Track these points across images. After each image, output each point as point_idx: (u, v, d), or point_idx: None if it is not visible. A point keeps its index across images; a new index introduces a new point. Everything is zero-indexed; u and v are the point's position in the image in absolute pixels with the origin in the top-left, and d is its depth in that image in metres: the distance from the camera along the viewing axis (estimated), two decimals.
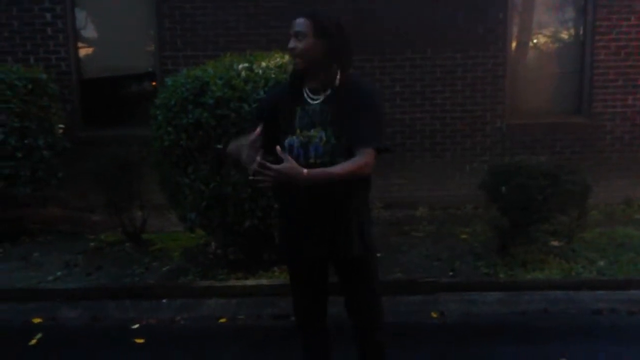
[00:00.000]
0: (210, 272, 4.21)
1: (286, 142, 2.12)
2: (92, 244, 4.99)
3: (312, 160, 2.08)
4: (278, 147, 1.97)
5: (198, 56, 5.71)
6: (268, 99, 2.38)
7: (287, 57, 4.03)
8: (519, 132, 6.09)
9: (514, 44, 6.10)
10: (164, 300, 3.91)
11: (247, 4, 5.88)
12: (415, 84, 5.99)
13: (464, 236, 5.02)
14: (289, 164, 1.94)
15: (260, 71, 3.80)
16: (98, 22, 6.27)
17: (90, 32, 6.32)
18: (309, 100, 2.16)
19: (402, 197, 5.89)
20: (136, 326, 3.61)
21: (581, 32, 6.07)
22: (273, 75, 3.77)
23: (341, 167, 2.04)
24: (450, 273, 4.17)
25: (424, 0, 5.84)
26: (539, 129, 6.08)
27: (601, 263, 4.29)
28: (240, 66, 3.86)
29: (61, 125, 5.39)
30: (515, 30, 6.12)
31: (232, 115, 3.70)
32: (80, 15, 6.09)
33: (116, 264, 4.48)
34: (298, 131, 2.12)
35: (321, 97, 2.15)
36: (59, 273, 4.32)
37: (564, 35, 6.32)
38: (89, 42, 6.27)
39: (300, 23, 2.11)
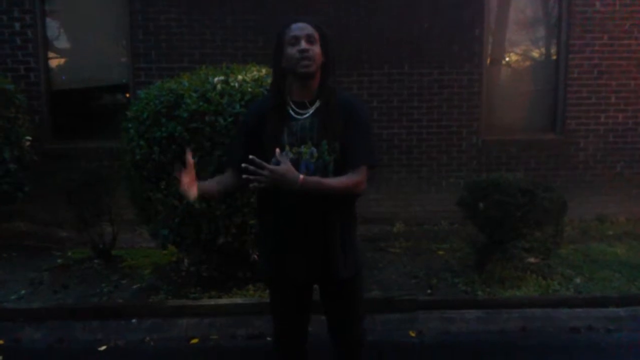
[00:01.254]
0: (182, 291, 4.07)
1: (273, 159, 2.01)
2: (59, 260, 4.80)
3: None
4: (277, 150, 1.91)
5: (173, 68, 5.61)
6: (250, 114, 2.24)
7: (263, 71, 3.97)
8: (495, 148, 6.12)
9: (489, 61, 6.16)
10: (134, 320, 3.75)
11: (224, 17, 5.82)
12: (392, 99, 5.99)
13: (440, 252, 4.99)
14: (286, 166, 1.88)
15: (237, 84, 3.73)
16: (70, 32, 6.13)
17: (61, 42, 6.18)
18: (295, 115, 2.07)
19: (378, 213, 5.85)
20: (103, 348, 3.47)
21: (555, 50, 6.16)
22: (249, 89, 3.69)
23: (337, 181, 2.00)
24: (428, 290, 4.12)
25: (402, 16, 5.86)
26: (514, 145, 6.13)
27: (577, 280, 4.29)
28: (216, 79, 3.78)
29: (28, 138, 5.21)
30: (491, 47, 6.18)
31: (207, 129, 3.60)
32: (51, 25, 5.95)
33: (84, 282, 4.32)
34: (287, 148, 2.02)
35: (309, 111, 2.07)
36: (23, 291, 4.14)
37: (539, 53, 6.41)
38: (59, 53, 6.12)
39: (309, 28, 2.04)
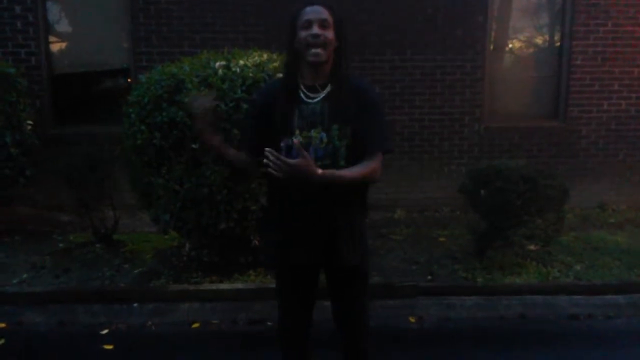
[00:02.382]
0: (183, 275, 4.09)
1: (282, 143, 2.01)
2: (60, 245, 4.82)
3: None
4: (295, 140, 1.89)
5: (173, 53, 5.57)
6: (261, 98, 2.21)
7: (265, 56, 3.94)
8: (497, 135, 6.10)
9: (492, 48, 6.12)
10: (135, 305, 3.77)
11: (225, 1, 5.77)
12: (394, 85, 5.96)
13: (442, 239, 5.00)
14: (304, 160, 1.87)
15: (238, 69, 3.70)
16: (71, 16, 6.08)
17: (62, 26, 6.13)
18: (306, 99, 2.05)
19: (380, 200, 5.82)
20: (105, 331, 3.49)
21: (559, 37, 6.11)
22: (251, 74, 3.67)
23: (354, 171, 1.99)
24: (429, 277, 4.13)
25: (405, 2, 5.81)
26: (516, 132, 6.11)
27: (577, 267, 4.30)
28: (217, 64, 3.75)
29: (30, 122, 5.20)
30: (494, 34, 6.14)
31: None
32: (52, 9, 5.90)
33: (85, 266, 4.33)
34: (297, 132, 2.00)
35: (321, 95, 2.04)
36: (25, 275, 4.16)
37: (542, 40, 6.36)
38: (60, 36, 6.08)
39: (323, 12, 2.01)
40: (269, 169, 1.88)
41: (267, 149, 1.88)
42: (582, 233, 5.18)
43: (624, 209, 6.02)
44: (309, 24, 2.00)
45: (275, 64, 3.80)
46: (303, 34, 2.00)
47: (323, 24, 2.00)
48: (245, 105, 3.56)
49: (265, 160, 1.88)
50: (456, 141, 6.10)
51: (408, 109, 6.02)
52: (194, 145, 3.59)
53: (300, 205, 2.05)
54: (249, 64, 3.76)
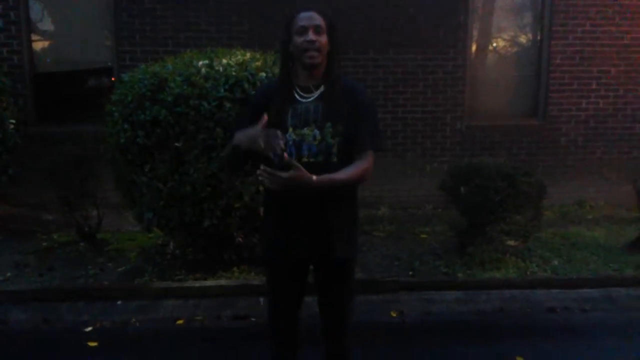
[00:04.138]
0: (167, 273, 4.12)
1: (272, 156, 2.01)
2: (44, 243, 4.81)
3: (305, 159, 2.05)
4: (286, 155, 1.93)
5: (157, 52, 5.60)
6: (259, 97, 2.28)
7: (248, 55, 3.98)
8: (478, 133, 6.20)
9: (474, 47, 6.21)
10: (119, 302, 3.80)
11: (209, 0, 5.79)
12: (377, 84, 6.03)
13: (423, 236, 5.07)
14: (298, 172, 1.91)
15: (221, 68, 3.74)
16: (53, 14, 6.06)
17: (45, 24, 6.11)
18: (299, 98, 2.12)
19: (363, 197, 5.79)
20: (89, 329, 3.50)
21: (538, 36, 6.22)
22: (234, 73, 3.71)
23: (348, 173, 2.05)
24: (410, 272, 4.20)
25: (387, 1, 5.87)
26: (497, 130, 6.21)
27: (555, 262, 4.40)
28: (201, 63, 3.79)
29: (12, 121, 5.17)
30: (475, 33, 6.23)
31: (191, 113, 3.62)
32: (35, 7, 5.89)
33: (69, 264, 4.34)
34: (290, 129, 2.07)
35: (314, 95, 2.12)
36: (8, 274, 4.15)
37: (522, 40, 6.47)
38: (43, 35, 6.06)
39: (317, 18, 2.09)
40: (266, 183, 1.93)
41: (260, 168, 1.92)
42: (560, 229, 5.29)
43: (601, 205, 6.15)
44: (304, 30, 2.07)
45: (258, 63, 3.84)
46: (299, 39, 2.08)
47: (317, 30, 2.07)
48: (228, 104, 3.60)
49: (260, 178, 1.93)
50: (438, 139, 6.18)
51: (391, 107, 6.09)
52: (177, 144, 3.63)
53: (295, 201, 2.09)
54: (232, 63, 3.80)
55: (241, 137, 2.09)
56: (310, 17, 2.08)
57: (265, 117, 2.01)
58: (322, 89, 2.12)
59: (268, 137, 1.94)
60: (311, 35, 2.06)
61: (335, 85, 2.12)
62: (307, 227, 2.12)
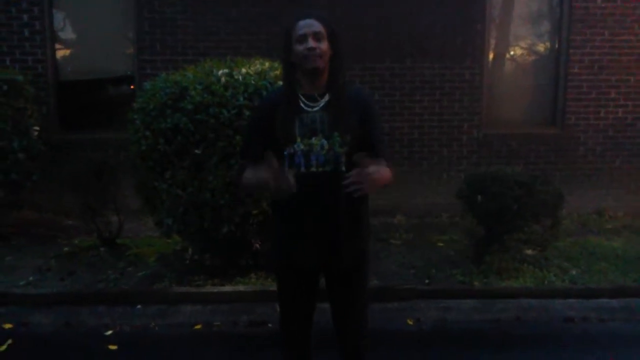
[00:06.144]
0: (186, 278, 4.17)
1: (285, 151, 2.08)
2: (66, 248, 4.91)
3: (313, 169, 2.07)
4: (292, 173, 1.96)
5: (177, 61, 5.69)
6: (263, 107, 2.29)
7: (267, 64, 4.04)
8: (495, 142, 6.19)
9: (491, 56, 6.21)
10: (139, 306, 3.86)
11: (229, 10, 5.88)
12: (394, 92, 6.05)
13: (440, 244, 5.07)
14: (365, 174, 1.95)
15: (240, 77, 3.80)
16: (76, 24, 6.20)
17: (68, 34, 6.25)
18: (306, 108, 2.12)
19: (380, 205, 5.88)
20: (109, 332, 3.57)
21: (556, 45, 6.20)
22: (253, 82, 3.77)
23: (387, 171, 2.10)
24: (427, 281, 4.20)
25: (405, 10, 5.91)
26: (514, 139, 6.19)
27: (573, 272, 4.37)
28: (220, 72, 3.85)
29: (36, 128, 5.31)
30: (492, 42, 6.23)
31: (211, 121, 3.69)
32: (58, 17, 6.02)
33: (90, 269, 4.42)
34: (299, 139, 2.08)
35: (320, 104, 2.12)
36: (31, 278, 4.24)
37: (540, 48, 6.45)
38: (66, 44, 6.20)
39: (316, 24, 2.08)
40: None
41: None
42: (579, 238, 5.25)
43: (621, 215, 6.09)
44: (303, 38, 2.07)
45: (277, 72, 3.90)
46: (299, 47, 2.07)
47: (317, 37, 2.07)
48: (247, 112, 3.66)
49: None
50: (455, 148, 6.18)
51: (408, 116, 6.11)
52: (196, 151, 3.69)
53: (306, 207, 2.11)
54: (251, 72, 3.87)
55: (252, 181, 2.14)
56: (309, 25, 2.07)
57: (274, 161, 1.96)
58: (327, 97, 2.12)
59: (277, 179, 1.94)
60: (311, 43, 2.05)
61: (340, 94, 2.11)
62: (317, 235, 2.13)
